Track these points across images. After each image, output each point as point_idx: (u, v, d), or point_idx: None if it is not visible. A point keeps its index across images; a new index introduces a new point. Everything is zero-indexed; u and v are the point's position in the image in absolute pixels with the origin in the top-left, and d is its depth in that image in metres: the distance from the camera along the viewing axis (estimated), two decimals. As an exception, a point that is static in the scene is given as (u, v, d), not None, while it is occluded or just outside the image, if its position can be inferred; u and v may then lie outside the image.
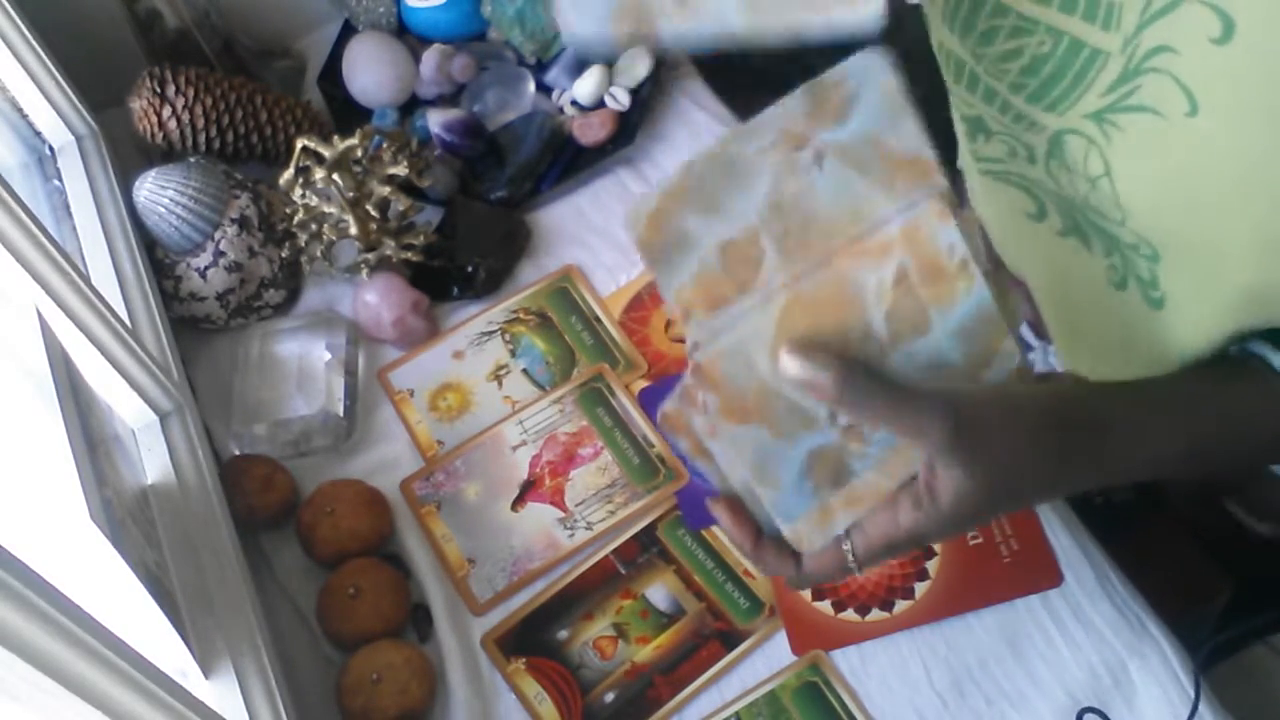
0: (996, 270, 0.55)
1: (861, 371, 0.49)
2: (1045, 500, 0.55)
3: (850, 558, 0.55)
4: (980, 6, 0.57)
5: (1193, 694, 0.73)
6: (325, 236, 1.00)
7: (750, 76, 0.60)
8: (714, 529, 0.85)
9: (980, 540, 0.81)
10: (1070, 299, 0.68)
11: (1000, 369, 0.54)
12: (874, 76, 0.50)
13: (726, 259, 0.51)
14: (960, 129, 0.66)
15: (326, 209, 0.99)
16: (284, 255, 1.02)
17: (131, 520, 0.72)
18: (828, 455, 0.53)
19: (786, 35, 0.50)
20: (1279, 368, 0.55)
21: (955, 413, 0.49)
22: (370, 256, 0.99)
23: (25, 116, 1.04)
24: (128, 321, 0.91)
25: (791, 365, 0.50)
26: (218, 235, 0.98)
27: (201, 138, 1.04)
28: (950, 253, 0.50)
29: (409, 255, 0.99)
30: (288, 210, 1.01)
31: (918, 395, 0.50)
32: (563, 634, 0.82)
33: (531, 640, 0.82)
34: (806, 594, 0.81)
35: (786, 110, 0.51)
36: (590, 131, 1.07)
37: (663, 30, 0.53)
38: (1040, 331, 0.75)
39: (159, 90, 1.03)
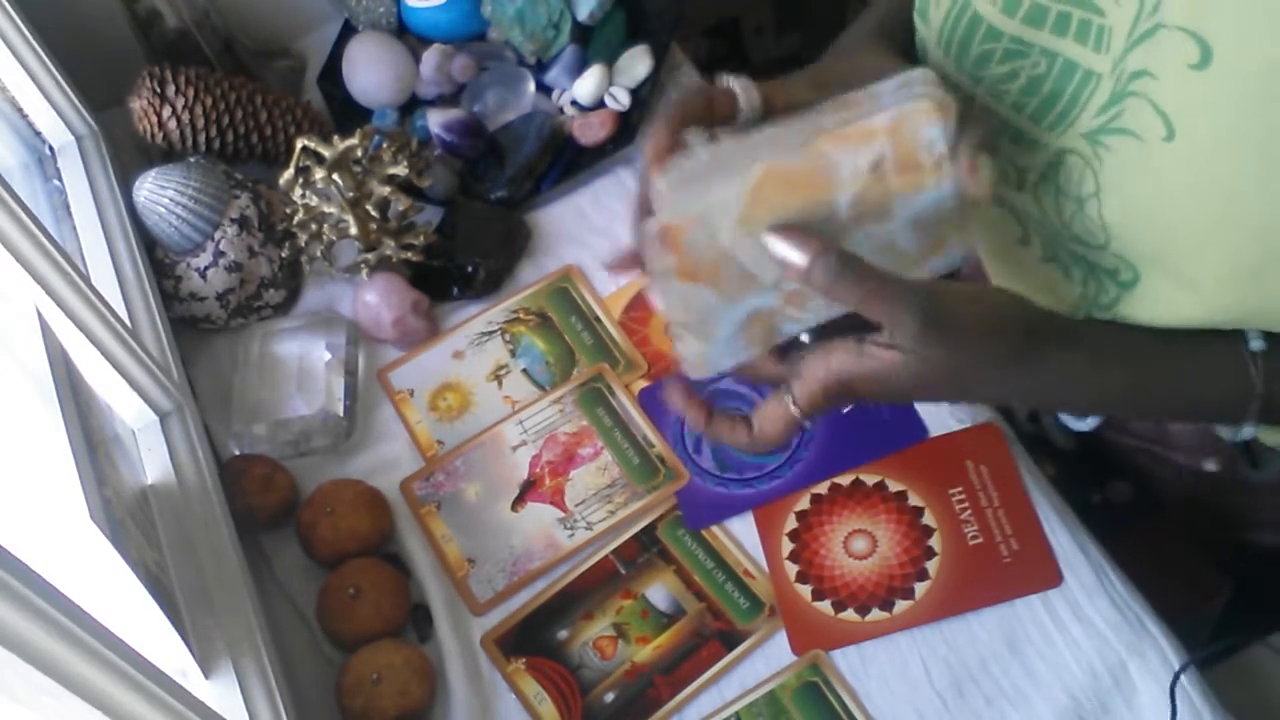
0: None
1: (841, 255, 0.51)
2: (987, 401, 0.57)
3: (792, 407, 0.56)
4: (974, 31, 0.58)
5: (1200, 703, 0.73)
6: (325, 236, 1.00)
7: (749, 75, 0.60)
8: (714, 529, 0.85)
9: (980, 540, 0.81)
10: None
11: (944, 261, 0.56)
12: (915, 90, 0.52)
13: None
14: None
15: (326, 209, 0.99)
16: (284, 255, 1.02)
17: (131, 520, 0.72)
18: (763, 318, 0.56)
19: None
20: (1250, 338, 0.55)
21: (928, 301, 0.51)
22: (370, 256, 0.99)
23: (25, 116, 1.04)
24: (128, 321, 0.91)
25: (777, 244, 0.51)
26: (218, 235, 0.98)
27: (201, 138, 1.04)
28: (930, 149, 0.51)
29: (409, 255, 0.99)
30: (288, 210, 1.01)
31: (894, 287, 0.51)
32: (563, 634, 0.82)
33: (531, 640, 0.82)
34: (806, 594, 0.81)
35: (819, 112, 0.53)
36: (590, 131, 1.07)
37: (787, 328, 0.57)
38: None
39: (159, 90, 1.03)
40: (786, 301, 0.55)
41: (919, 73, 0.53)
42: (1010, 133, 0.59)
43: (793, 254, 0.51)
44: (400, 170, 0.99)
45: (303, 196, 0.99)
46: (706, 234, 0.54)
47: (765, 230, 0.52)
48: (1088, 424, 0.69)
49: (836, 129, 0.53)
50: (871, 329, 0.53)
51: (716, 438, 0.59)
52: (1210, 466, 0.76)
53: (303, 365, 0.96)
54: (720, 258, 0.54)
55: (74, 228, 0.99)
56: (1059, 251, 0.62)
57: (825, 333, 0.56)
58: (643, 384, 0.93)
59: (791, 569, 0.82)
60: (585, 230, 1.04)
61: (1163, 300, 0.56)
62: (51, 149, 1.07)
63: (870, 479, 0.85)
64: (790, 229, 0.51)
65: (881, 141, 0.52)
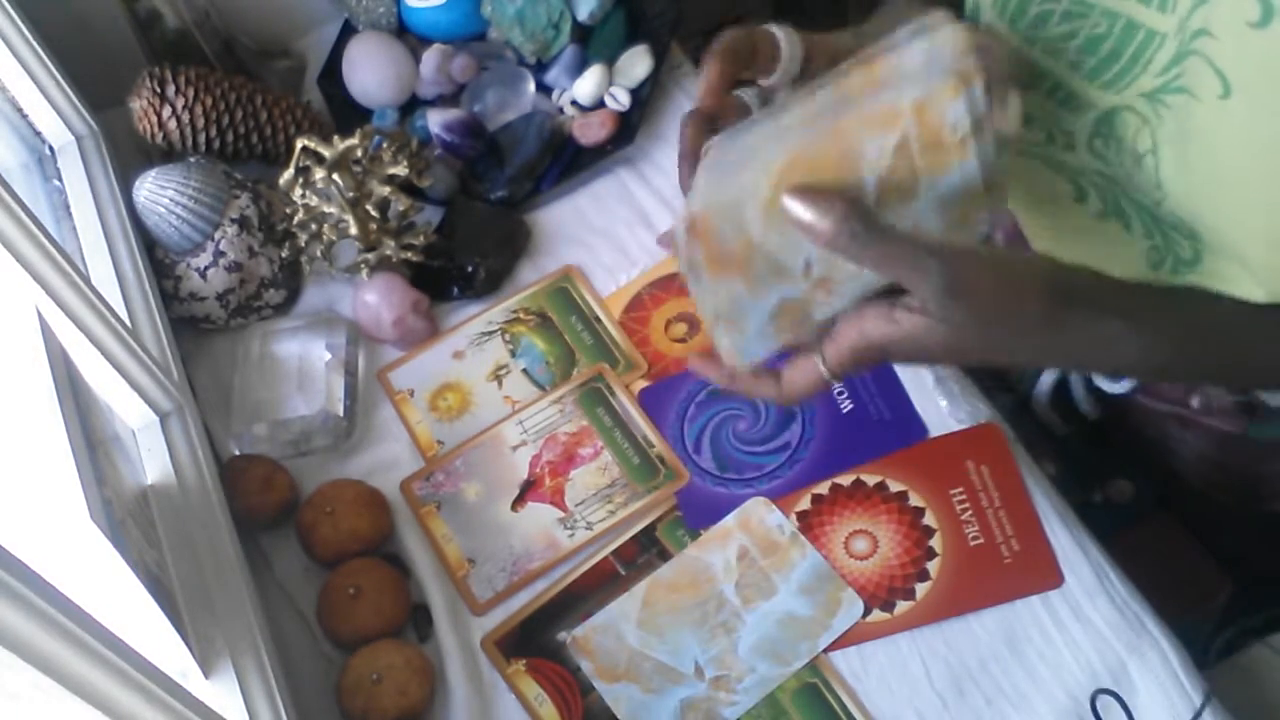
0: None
1: (859, 217, 0.50)
2: (1025, 362, 0.57)
3: (821, 366, 0.56)
4: None
5: (1199, 702, 0.73)
6: (325, 236, 1.00)
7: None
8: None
9: (981, 541, 0.81)
10: None
11: (968, 235, 0.55)
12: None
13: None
14: None
15: (326, 209, 0.99)
16: (284, 255, 1.02)
17: (131, 520, 0.72)
18: (793, 306, 0.56)
19: None
20: None
21: (947, 265, 0.50)
22: (370, 256, 0.99)
23: (25, 116, 1.04)
24: (128, 321, 0.91)
25: (794, 206, 0.51)
26: (218, 235, 0.98)
27: (201, 138, 1.04)
28: (954, 129, 0.51)
29: (409, 255, 0.99)
30: (288, 210, 1.01)
31: (913, 246, 0.50)
32: (563, 635, 0.82)
33: (531, 642, 0.82)
34: (806, 594, 0.81)
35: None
36: (590, 131, 1.07)
37: (818, 314, 0.56)
38: None
39: (159, 90, 1.03)
40: (815, 288, 0.55)
41: (939, 17, 0.52)
42: (1061, 94, 0.59)
43: (811, 216, 0.50)
44: (400, 170, 0.99)
45: (303, 196, 0.99)
46: (734, 223, 0.54)
47: (786, 194, 0.51)
48: (1123, 386, 0.68)
49: (860, 108, 0.52)
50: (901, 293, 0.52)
51: (744, 391, 0.59)
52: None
53: (303, 365, 0.96)
54: (748, 248, 0.54)
55: (74, 228, 0.99)
56: (1122, 203, 0.62)
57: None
58: (643, 384, 0.93)
59: (792, 569, 0.82)
60: (585, 230, 1.04)
61: (1225, 260, 0.55)
62: (51, 149, 1.07)
63: (871, 479, 0.85)
64: (811, 192, 0.51)
65: (906, 122, 0.51)
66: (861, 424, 0.87)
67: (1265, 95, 0.48)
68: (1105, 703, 0.74)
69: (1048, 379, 0.80)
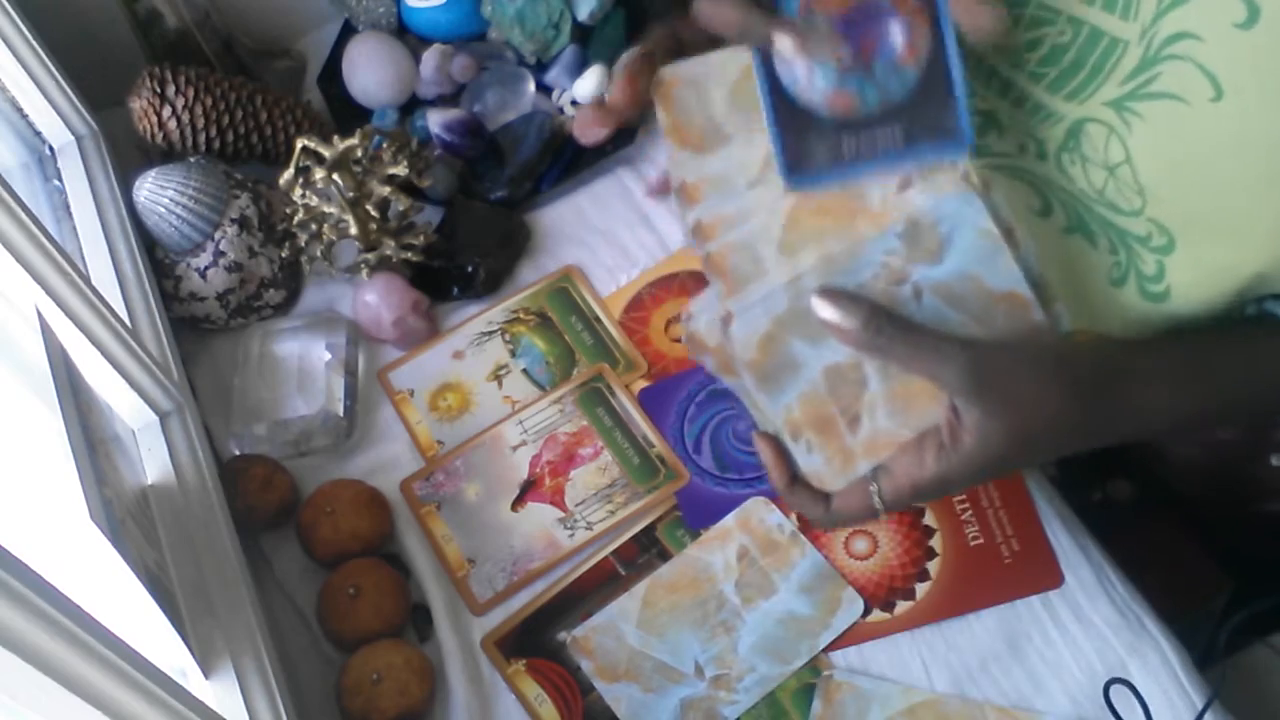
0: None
1: (885, 316, 0.52)
2: (1072, 448, 0.57)
3: (876, 500, 0.57)
4: None
5: (1199, 703, 0.73)
6: (325, 236, 1.00)
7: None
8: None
9: (981, 541, 0.81)
10: (1073, 292, 0.69)
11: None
12: (968, 219, 0.54)
13: (831, 382, 0.56)
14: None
15: (326, 209, 0.99)
16: (284, 255, 1.02)
17: (131, 520, 0.72)
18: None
19: None
20: None
21: (972, 355, 0.51)
22: (370, 256, 0.99)
23: (25, 116, 1.04)
24: (128, 321, 0.91)
25: (823, 309, 0.52)
26: (218, 235, 0.98)
27: (201, 138, 1.04)
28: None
29: (409, 255, 0.99)
30: (288, 210, 1.01)
31: (937, 338, 0.51)
32: (563, 635, 0.82)
33: (532, 642, 0.82)
34: (806, 594, 0.81)
35: (886, 245, 0.55)
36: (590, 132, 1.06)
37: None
38: None
39: (159, 90, 1.03)
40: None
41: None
42: (1028, 104, 0.59)
43: (837, 317, 0.52)
44: (400, 170, 0.99)
45: (303, 196, 0.99)
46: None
47: (812, 294, 0.53)
48: None
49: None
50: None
51: (793, 502, 0.60)
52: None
53: (303, 365, 0.96)
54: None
55: (74, 228, 0.99)
56: (1086, 219, 0.62)
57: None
58: (643, 384, 0.93)
59: (792, 569, 0.82)
60: (585, 230, 1.04)
61: (1205, 261, 0.56)
62: (51, 149, 1.07)
63: (870, 479, 0.85)
64: (838, 294, 0.52)
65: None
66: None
67: (1259, 95, 0.48)
68: (1119, 692, 0.73)
69: None
